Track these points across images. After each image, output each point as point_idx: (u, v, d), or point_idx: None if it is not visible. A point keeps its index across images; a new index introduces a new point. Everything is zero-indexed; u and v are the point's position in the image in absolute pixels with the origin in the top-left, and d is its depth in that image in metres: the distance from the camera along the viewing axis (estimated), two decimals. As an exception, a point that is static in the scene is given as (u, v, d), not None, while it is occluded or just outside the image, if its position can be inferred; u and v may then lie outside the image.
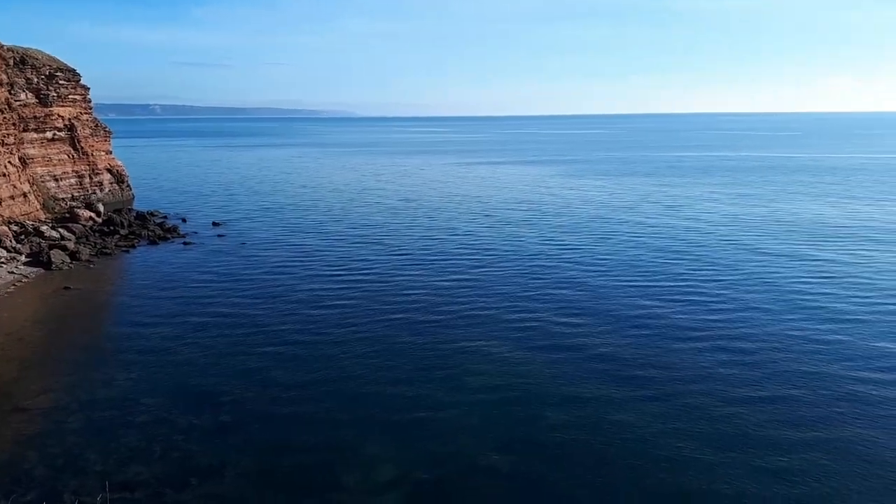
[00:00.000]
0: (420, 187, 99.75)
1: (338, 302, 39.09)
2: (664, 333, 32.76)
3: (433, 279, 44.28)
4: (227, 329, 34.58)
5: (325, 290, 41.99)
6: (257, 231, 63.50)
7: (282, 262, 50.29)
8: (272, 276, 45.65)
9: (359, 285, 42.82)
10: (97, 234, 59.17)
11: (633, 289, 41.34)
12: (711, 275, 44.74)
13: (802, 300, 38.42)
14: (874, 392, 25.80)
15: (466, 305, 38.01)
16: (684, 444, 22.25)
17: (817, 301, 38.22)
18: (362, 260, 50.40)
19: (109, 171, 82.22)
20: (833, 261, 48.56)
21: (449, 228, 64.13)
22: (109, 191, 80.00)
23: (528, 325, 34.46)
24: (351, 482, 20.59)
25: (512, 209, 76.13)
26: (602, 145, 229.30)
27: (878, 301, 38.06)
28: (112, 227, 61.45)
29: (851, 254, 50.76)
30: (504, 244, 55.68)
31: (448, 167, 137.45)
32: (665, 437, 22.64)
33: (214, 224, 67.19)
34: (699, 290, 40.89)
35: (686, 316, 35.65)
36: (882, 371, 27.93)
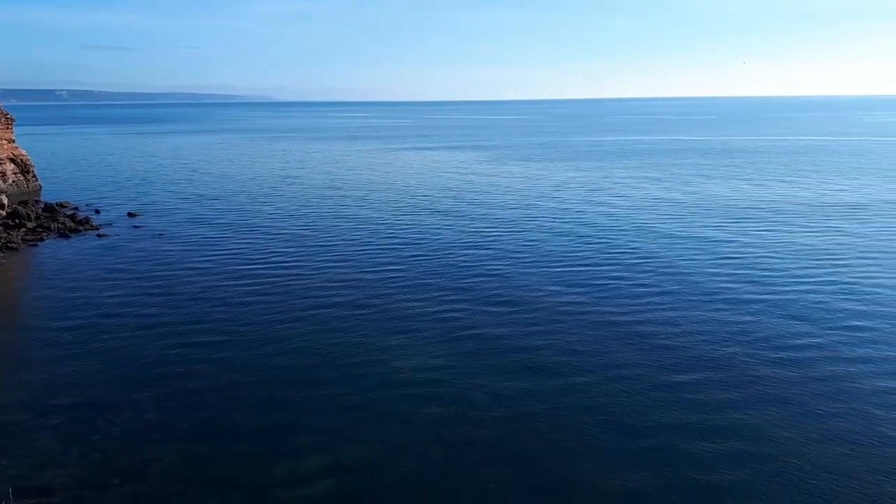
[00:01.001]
0: (345, 174, 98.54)
1: (260, 296, 38.22)
2: (584, 321, 33.53)
3: (357, 271, 43.90)
4: (146, 325, 33.35)
5: (246, 283, 41.00)
6: (176, 222, 61.30)
7: (201, 254, 48.77)
8: (191, 270, 44.23)
9: (281, 279, 41.97)
10: (1, 228, 55.78)
11: (554, 276, 42.17)
12: (630, 259, 46.22)
13: (715, 282, 40.18)
14: (781, 374, 27.12)
15: (391, 298, 37.82)
16: (603, 431, 22.68)
17: (729, 283, 40.05)
18: (285, 252, 49.43)
19: (13, 160, 77.34)
20: (743, 241, 50.95)
21: (374, 217, 63.69)
22: (13, 182, 75.27)
23: (452, 315, 34.62)
24: (279, 474, 20.31)
25: (437, 196, 76.24)
26: (524, 131, 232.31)
27: (786, 281, 40.19)
28: (18, 220, 58.05)
29: (760, 234, 53.38)
30: (429, 233, 55.70)
31: (373, 153, 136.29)
32: (584, 425, 23.01)
33: (130, 215, 64.47)
34: (617, 275, 42.11)
35: (604, 302, 36.64)
36: (791, 350, 29.51)
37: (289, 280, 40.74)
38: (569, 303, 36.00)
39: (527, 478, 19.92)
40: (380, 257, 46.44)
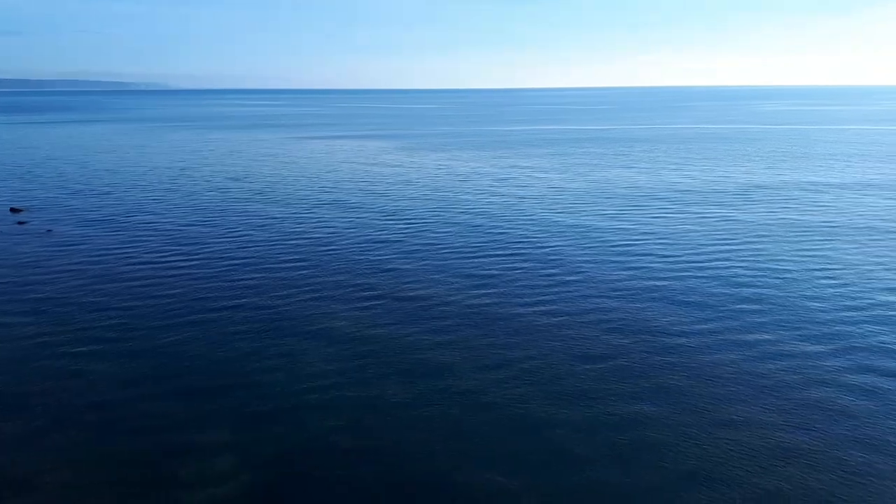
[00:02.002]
0: (251, 164, 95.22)
1: (160, 292, 36.05)
2: (499, 302, 33.68)
3: (268, 262, 42.33)
4: (34, 325, 30.72)
5: (144, 278, 38.61)
6: (66, 217, 57.15)
7: (96, 249, 45.63)
8: (85, 266, 41.25)
9: (184, 273, 39.81)
10: None
11: (468, 260, 42.17)
12: (532, 251, 46.78)
13: (611, 272, 41.24)
14: (674, 361, 27.85)
15: (304, 287, 36.67)
16: (501, 430, 22.32)
17: (624, 271, 41.21)
18: (187, 245, 47.00)
19: None
20: (641, 229, 52.70)
21: (283, 206, 61.80)
22: None
23: (369, 303, 33.94)
24: (186, 475, 19.17)
25: (344, 188, 74.90)
26: (436, 120, 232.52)
27: (679, 267, 41.76)
28: None
29: (656, 221, 55.42)
30: (342, 221, 54.58)
31: (277, 143, 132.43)
32: (483, 424, 22.47)
33: (13, 210, 59.54)
34: (517, 267, 42.51)
35: (519, 283, 36.91)
36: (683, 336, 30.58)
37: (186, 281, 38.57)
38: (486, 285, 35.95)
39: (428, 478, 19.53)
40: (283, 255, 44.55)
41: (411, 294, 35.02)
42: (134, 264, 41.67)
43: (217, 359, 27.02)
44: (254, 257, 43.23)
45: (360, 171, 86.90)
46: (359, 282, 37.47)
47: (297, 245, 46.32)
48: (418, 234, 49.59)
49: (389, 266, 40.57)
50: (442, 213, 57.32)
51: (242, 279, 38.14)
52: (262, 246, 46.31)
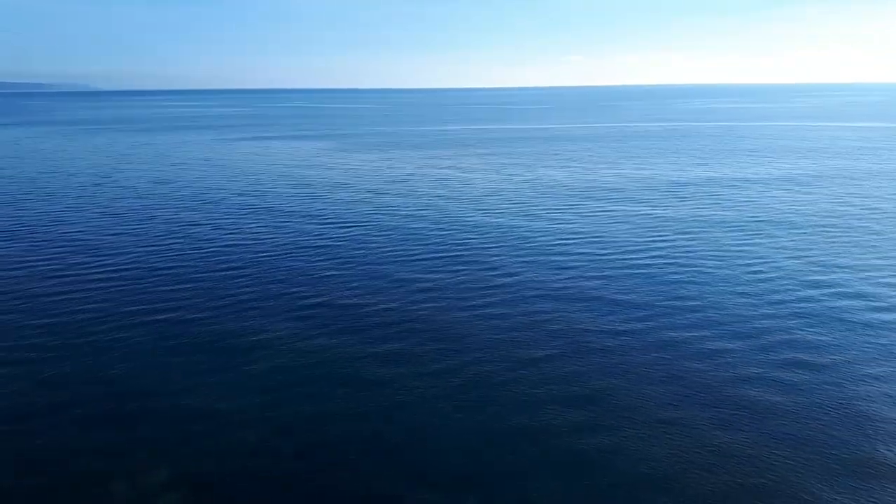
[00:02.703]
0: (179, 168, 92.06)
1: (79, 306, 34.22)
2: (437, 308, 33.35)
3: (197, 272, 40.79)
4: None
5: (68, 288, 36.62)
6: (-23, 226, 53.73)
7: (13, 256, 43.01)
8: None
9: (108, 286, 37.92)
10: None
11: (405, 265, 41.68)
12: (478, 245, 46.69)
13: (555, 263, 41.51)
14: (622, 343, 28.44)
15: (237, 298, 35.45)
16: (467, 414, 22.57)
17: (569, 262, 41.55)
18: (117, 254, 44.89)
19: None
20: (581, 223, 53.32)
21: (214, 213, 59.84)
22: None
23: (306, 312, 33.08)
24: (119, 490, 18.34)
25: (283, 188, 73.29)
26: (373, 119, 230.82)
27: (618, 258, 42.39)
28: None
29: (596, 215, 56.20)
30: (276, 228, 53.19)
31: (206, 146, 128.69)
32: (450, 410, 22.89)
33: (-83, 221, 55.60)
34: (466, 260, 42.40)
35: (457, 288, 36.64)
36: (626, 322, 30.97)
37: (110, 294, 36.87)
38: (428, 288, 35.51)
39: (389, 470, 19.08)
40: (214, 264, 43.11)
41: (349, 302, 34.24)
42: (52, 274, 39.41)
43: (150, 368, 25.68)
44: (183, 267, 41.51)
45: (295, 174, 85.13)
46: (294, 290, 36.44)
47: (229, 253, 44.76)
48: (355, 239, 48.70)
49: (326, 273, 39.65)
50: (379, 217, 56.57)
51: (170, 291, 36.51)
52: (192, 255, 44.56)
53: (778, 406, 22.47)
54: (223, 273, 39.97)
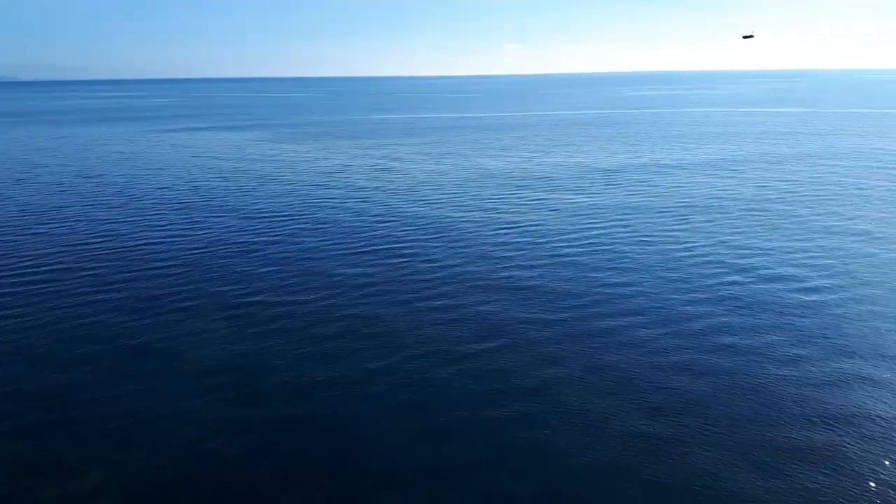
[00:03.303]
0: (103, 161, 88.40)
1: (6, 310, 32.54)
2: (379, 301, 33.08)
3: (125, 270, 39.29)
4: None
5: (-16, 294, 34.72)
6: None
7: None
8: None
9: (33, 286, 36.15)
10: None
11: (345, 256, 41.24)
12: (416, 238, 46.57)
13: (492, 254, 41.80)
14: (557, 333, 28.88)
15: (170, 295, 34.35)
16: (407, 411, 22.54)
17: (505, 253, 41.89)
18: (36, 255, 42.77)
19: None
20: (516, 212, 53.80)
21: (141, 208, 57.74)
22: None
23: (241, 308, 32.33)
24: (50, 499, 17.59)
25: (214, 181, 71.35)
26: (308, 109, 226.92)
27: (553, 245, 42.98)
28: None
29: (531, 203, 56.81)
30: (205, 225, 51.64)
31: (134, 137, 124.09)
32: (391, 407, 22.79)
33: None
34: (403, 254, 42.23)
35: (394, 283, 36.41)
36: (562, 311, 31.43)
37: (41, 284, 35.19)
38: (365, 284, 35.13)
39: (326, 473, 18.83)
40: (137, 265, 41.53)
41: (283, 300, 33.55)
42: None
43: (81, 371, 24.56)
44: (108, 267, 39.84)
45: (227, 166, 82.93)
46: (226, 289, 35.53)
47: (159, 252, 43.22)
48: (289, 234, 47.74)
49: (259, 270, 38.76)
50: (314, 211, 55.63)
51: (94, 293, 34.98)
52: (118, 255, 42.80)
53: (707, 391, 23.20)
54: (152, 272, 38.57)
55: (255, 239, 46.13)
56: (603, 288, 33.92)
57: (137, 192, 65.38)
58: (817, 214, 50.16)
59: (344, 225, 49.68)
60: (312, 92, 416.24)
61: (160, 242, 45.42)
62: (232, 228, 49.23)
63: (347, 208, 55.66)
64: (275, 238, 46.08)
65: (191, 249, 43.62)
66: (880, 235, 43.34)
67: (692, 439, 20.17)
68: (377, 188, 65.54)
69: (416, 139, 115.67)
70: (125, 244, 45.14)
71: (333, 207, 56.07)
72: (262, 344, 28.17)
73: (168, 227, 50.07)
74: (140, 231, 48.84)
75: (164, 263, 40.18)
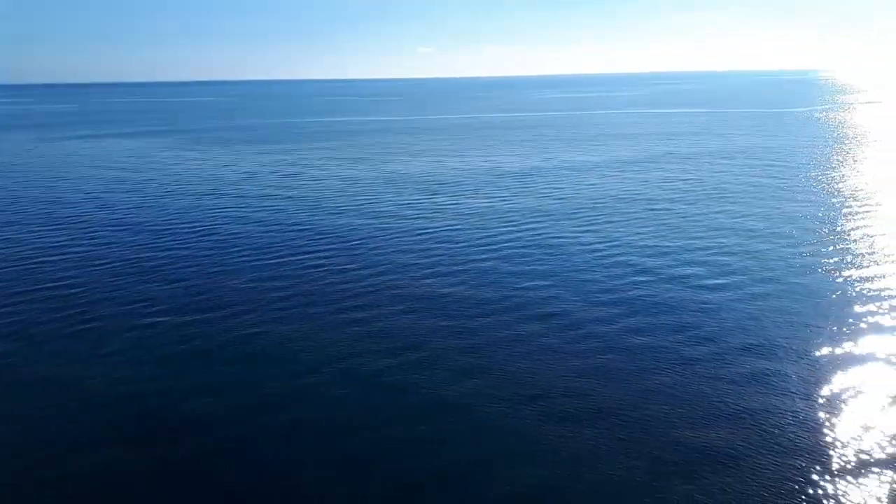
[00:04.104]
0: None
1: None
2: (295, 316, 32.17)
3: (24, 282, 36.71)
4: None
5: None
6: None
7: None
8: None
9: None
10: None
11: (257, 269, 39.91)
12: (335, 243, 45.79)
13: (409, 259, 41.58)
14: (475, 342, 28.94)
15: (71, 309, 32.46)
16: (323, 443, 21.93)
17: (424, 257, 41.76)
18: None
19: None
20: (432, 215, 53.70)
21: (35, 219, 54.12)
22: None
23: (145, 329, 30.71)
24: None
25: (112, 192, 67.84)
26: (214, 113, 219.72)
27: (471, 249, 43.15)
28: None
29: (449, 205, 56.88)
30: (101, 238, 48.87)
31: (25, 146, 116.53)
32: (318, 407, 22.31)
33: None
34: (324, 261, 41.45)
35: (313, 291, 35.60)
36: (480, 317, 31.55)
37: None
38: (280, 288, 34.06)
39: (247, 482, 18.06)
40: (42, 275, 39.09)
41: (182, 320, 31.99)
42: None
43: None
44: (5, 280, 37.08)
45: (126, 176, 79.01)
46: (134, 297, 33.85)
47: (47, 274, 40.37)
48: (195, 250, 45.73)
49: (172, 277, 36.99)
50: (219, 223, 53.67)
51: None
52: (16, 266, 39.89)
53: (616, 395, 23.70)
54: (53, 283, 36.22)
55: (158, 257, 43.87)
56: (516, 294, 34.19)
57: (21, 206, 61.10)
58: (714, 213, 52.55)
59: (254, 237, 48.07)
60: (216, 96, 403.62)
61: (48, 261, 42.51)
62: (126, 246, 46.43)
63: (258, 220, 53.91)
64: (180, 255, 43.97)
65: (91, 258, 41.00)
66: (769, 233, 45.82)
67: (605, 446, 20.48)
68: (289, 197, 63.97)
69: (327, 143, 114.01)
70: (19, 254, 41.97)
71: (240, 220, 54.16)
72: (175, 351, 26.89)
73: (57, 244, 46.86)
74: (23, 251, 45.48)
75: (50, 286, 37.50)
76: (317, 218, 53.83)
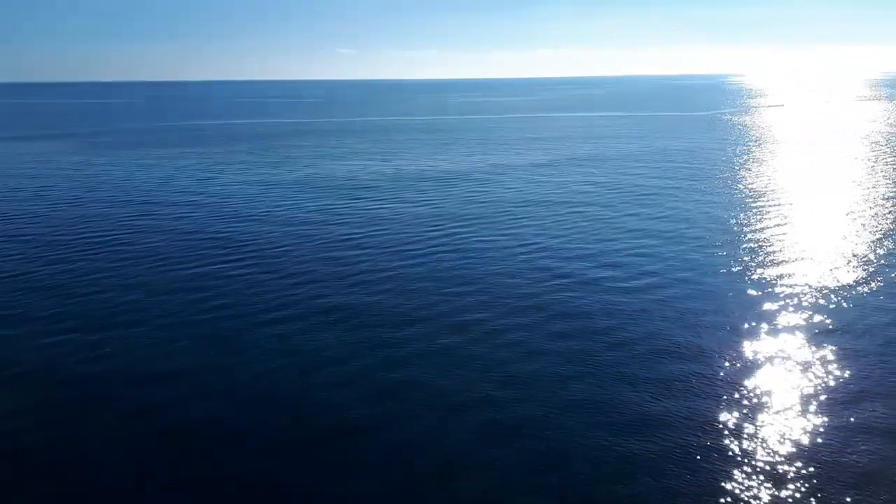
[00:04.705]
0: None
1: None
2: (198, 335, 30.82)
3: None
4: None
5: None
6: None
7: None
8: None
9: None
10: None
11: (163, 285, 37.90)
12: (249, 254, 44.35)
13: (335, 262, 40.78)
14: (415, 334, 28.56)
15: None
16: (257, 430, 21.07)
17: (351, 260, 41.03)
18: None
19: None
20: (357, 219, 52.85)
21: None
22: None
23: (59, 338, 29.08)
24: None
25: (12, 201, 63.60)
26: (124, 114, 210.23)
27: (395, 247, 42.64)
28: None
29: (373, 208, 56.11)
30: (7, 240, 45.77)
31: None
32: (237, 432, 21.35)
33: None
34: (236, 273, 40.00)
35: (223, 306, 34.16)
36: (405, 326, 31.13)
37: None
38: (185, 315, 32.52)
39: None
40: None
41: (100, 326, 30.29)
42: None
43: None
44: None
45: (32, 179, 74.26)
46: (43, 313, 31.78)
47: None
48: (108, 253, 43.38)
49: (67, 292, 34.74)
50: (137, 225, 51.45)
51: None
52: None
53: (559, 376, 24.30)
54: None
55: (67, 256, 41.30)
56: (437, 303, 33.82)
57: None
58: (628, 215, 53.82)
59: (162, 247, 45.66)
60: (126, 97, 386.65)
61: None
62: (24, 259, 43.68)
63: (166, 229, 51.47)
64: (76, 266, 41.52)
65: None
66: (679, 234, 47.28)
67: (526, 458, 20.41)
68: (199, 204, 61.54)
69: (246, 145, 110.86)
70: None
71: (149, 227, 51.55)
72: (88, 371, 25.18)
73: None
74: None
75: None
76: (232, 226, 51.88)
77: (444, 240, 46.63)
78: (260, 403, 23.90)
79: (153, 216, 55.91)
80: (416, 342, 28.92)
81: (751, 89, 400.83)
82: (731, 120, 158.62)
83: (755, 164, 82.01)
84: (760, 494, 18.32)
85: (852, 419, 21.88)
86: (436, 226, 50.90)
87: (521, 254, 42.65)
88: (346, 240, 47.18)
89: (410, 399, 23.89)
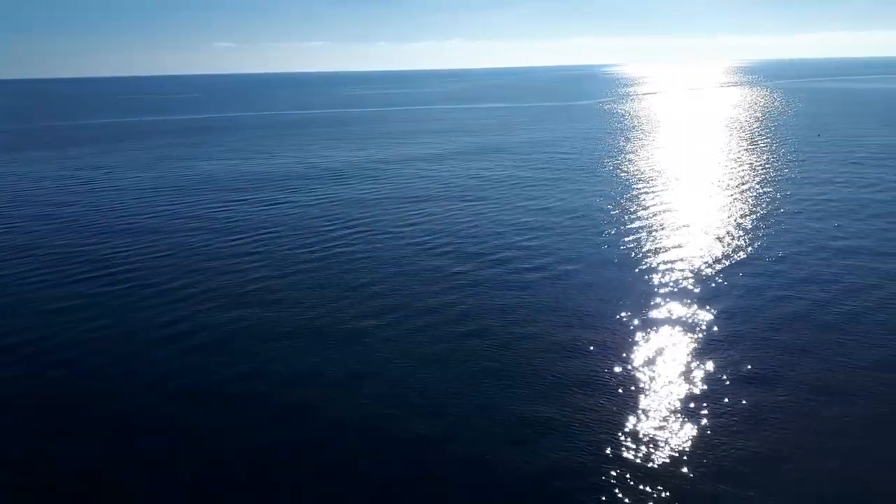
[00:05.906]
0: None
1: None
2: (103, 336, 29.73)
3: None
4: None
5: None
6: None
7: None
8: None
9: None
10: None
11: (53, 286, 36.09)
12: (148, 250, 42.70)
13: (230, 262, 39.98)
14: (341, 327, 28.76)
15: None
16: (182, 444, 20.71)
17: (245, 261, 40.29)
18: None
19: None
20: (249, 215, 51.85)
21: None
22: None
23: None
24: None
25: None
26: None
27: (307, 243, 42.32)
28: None
29: (274, 204, 55.07)
30: None
31: None
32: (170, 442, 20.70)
33: None
34: (134, 271, 38.59)
35: (123, 307, 32.99)
36: (334, 301, 31.23)
37: None
38: (67, 330, 30.98)
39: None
40: None
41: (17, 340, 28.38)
42: None
43: None
44: None
45: None
46: None
47: None
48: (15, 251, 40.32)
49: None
50: (43, 222, 48.16)
51: None
52: None
53: (455, 374, 24.81)
54: None
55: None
56: (350, 291, 34.03)
57: None
58: (523, 200, 55.76)
59: (48, 249, 43.14)
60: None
61: None
62: None
63: (52, 231, 48.50)
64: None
65: None
66: (572, 216, 49.65)
67: (453, 430, 21.28)
68: (83, 203, 58.19)
69: (125, 145, 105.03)
70: None
71: (36, 229, 48.54)
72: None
73: None
74: None
75: None
76: (119, 226, 49.34)
77: (342, 233, 46.11)
78: (181, 407, 23.49)
79: (28, 221, 52.26)
80: (323, 333, 29.03)
81: (627, 78, 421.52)
82: (609, 108, 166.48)
83: (635, 149, 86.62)
84: (657, 448, 20.10)
85: (731, 399, 22.63)
86: (331, 219, 50.27)
87: (425, 242, 43.21)
88: (243, 235, 46.13)
89: (314, 399, 23.92)
